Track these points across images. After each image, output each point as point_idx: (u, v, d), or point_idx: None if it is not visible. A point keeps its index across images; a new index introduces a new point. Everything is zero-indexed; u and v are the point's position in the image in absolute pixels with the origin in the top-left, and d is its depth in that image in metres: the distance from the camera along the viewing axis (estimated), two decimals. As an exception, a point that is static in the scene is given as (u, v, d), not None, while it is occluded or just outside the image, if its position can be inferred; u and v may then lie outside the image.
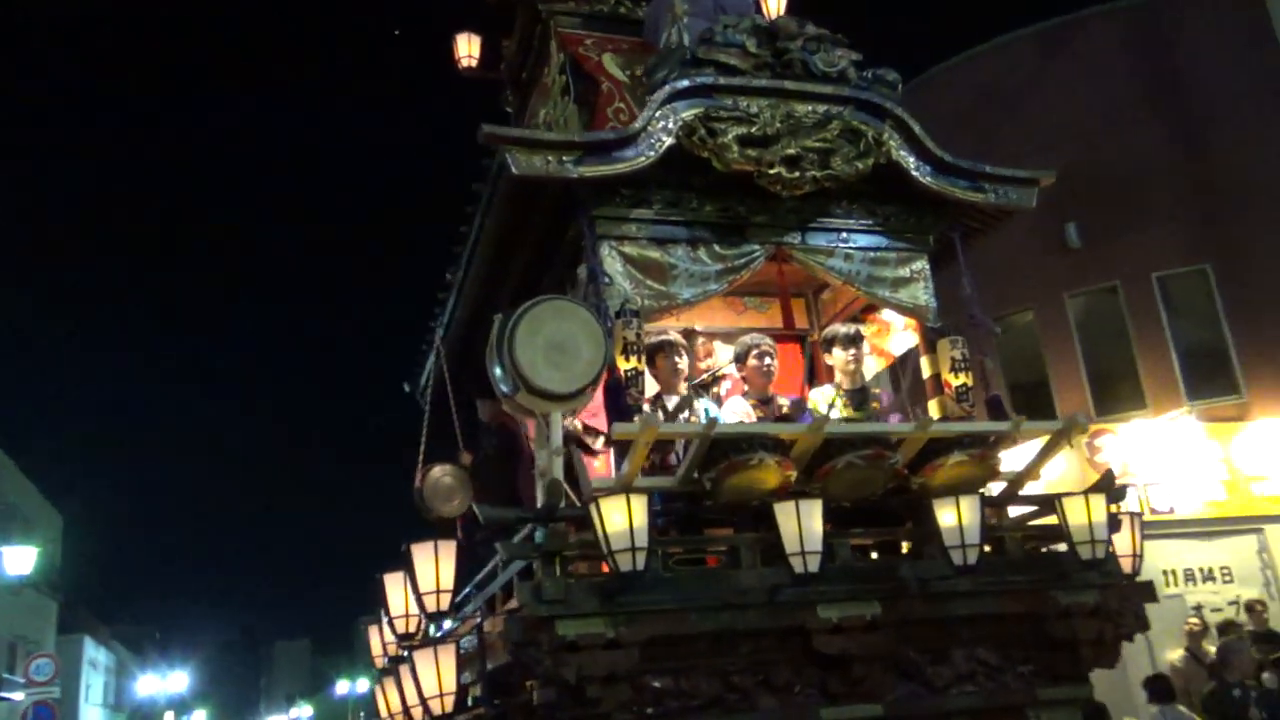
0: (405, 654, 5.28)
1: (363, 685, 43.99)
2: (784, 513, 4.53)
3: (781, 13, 7.28)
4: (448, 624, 6.28)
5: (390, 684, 6.28)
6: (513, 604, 5.15)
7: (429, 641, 5.26)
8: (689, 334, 6.15)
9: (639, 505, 4.32)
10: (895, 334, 6.48)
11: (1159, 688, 7.78)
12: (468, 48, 8.65)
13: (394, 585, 5.31)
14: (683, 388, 5.77)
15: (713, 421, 4.77)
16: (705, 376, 6.04)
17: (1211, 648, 9.60)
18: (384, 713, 6.60)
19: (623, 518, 4.31)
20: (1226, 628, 10.11)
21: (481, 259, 6.19)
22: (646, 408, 5.26)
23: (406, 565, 4.78)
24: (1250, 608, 10.69)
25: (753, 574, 4.86)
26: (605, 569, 4.49)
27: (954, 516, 4.74)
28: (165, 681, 40.70)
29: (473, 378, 7.51)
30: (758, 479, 4.72)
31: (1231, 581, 11.37)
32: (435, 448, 7.12)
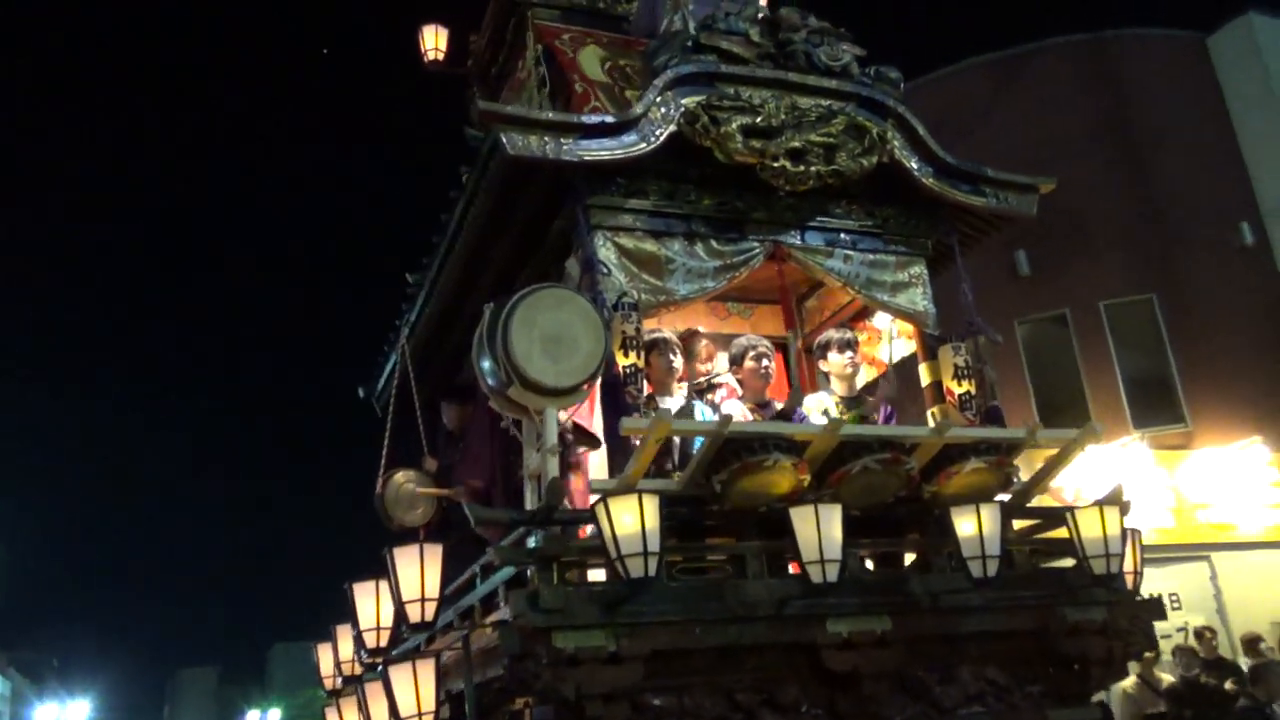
0: (375, 669, 4.84)
1: (274, 716, 42.43)
2: (802, 518, 4.24)
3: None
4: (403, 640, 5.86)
5: (350, 705, 5.82)
6: (497, 615, 4.77)
7: (407, 655, 4.83)
8: (691, 335, 5.88)
9: (651, 506, 3.99)
10: (885, 342, 6.27)
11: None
12: (434, 40, 8.29)
13: (364, 595, 4.87)
14: (677, 389, 5.47)
15: (727, 418, 4.47)
16: (702, 381, 5.74)
17: (1164, 674, 9.58)
18: (339, 737, 6.12)
19: (634, 519, 3.97)
20: (1179, 653, 10.11)
21: (461, 249, 5.83)
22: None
23: (389, 570, 4.36)
24: (1199, 634, 10.70)
25: (760, 585, 4.55)
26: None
27: (973, 526, 4.50)
28: (64, 711, 38.75)
29: (436, 381, 7.13)
30: (770, 482, 4.43)
31: (1180, 608, 11.41)
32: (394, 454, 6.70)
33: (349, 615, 5.59)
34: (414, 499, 6.34)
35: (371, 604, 4.86)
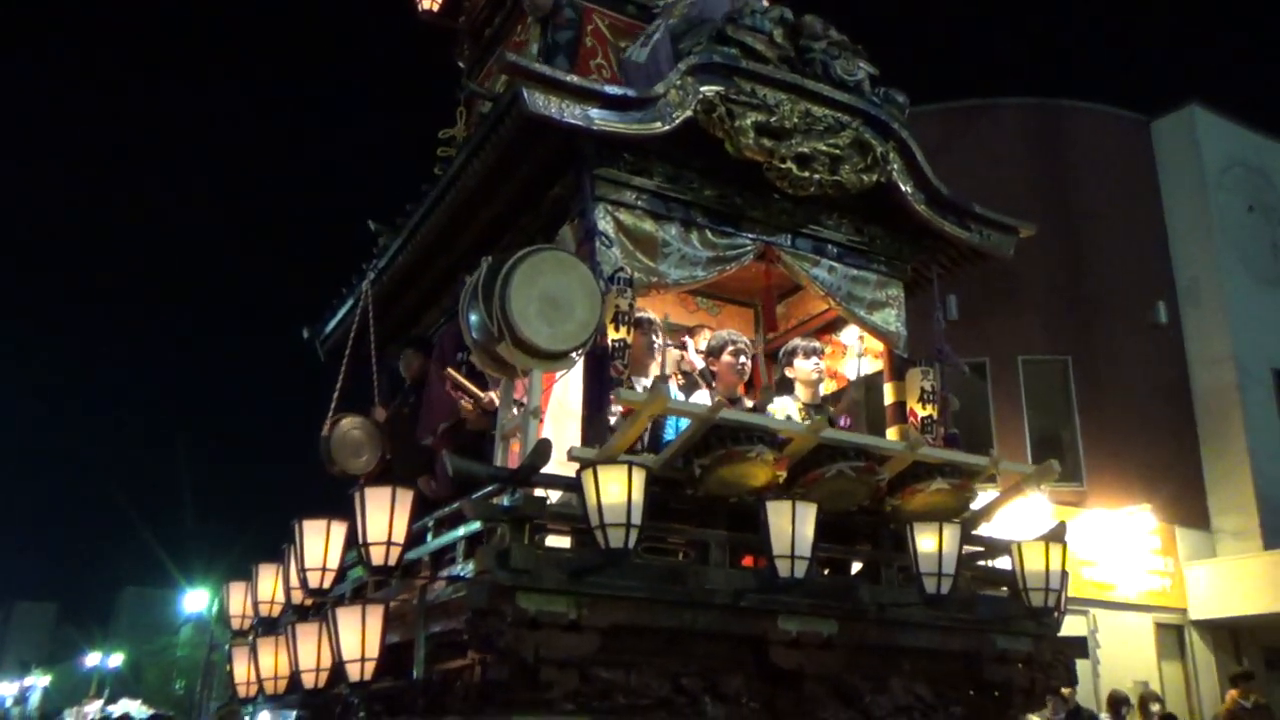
0: (317, 610, 4.71)
1: (116, 659, 40.81)
2: (779, 513, 4.28)
3: None
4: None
5: (267, 647, 5.65)
6: (452, 570, 4.69)
7: (358, 597, 4.71)
8: (697, 329, 5.95)
9: (639, 479, 3.99)
10: (851, 358, 6.39)
11: None
12: (431, -10, 8.14)
13: (314, 533, 4.73)
14: (653, 369, 5.48)
15: (719, 403, 4.50)
16: (704, 370, 5.78)
17: (1032, 717, 9.94)
18: (247, 678, 5.93)
19: (620, 490, 3.97)
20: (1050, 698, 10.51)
21: (451, 201, 5.73)
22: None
23: (358, 511, 4.24)
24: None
25: (720, 574, 4.60)
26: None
27: (934, 543, 4.61)
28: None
29: (392, 329, 7.01)
30: (750, 473, 4.47)
31: (1056, 658, 11.87)
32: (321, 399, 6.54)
33: (284, 553, 5.47)
34: (359, 446, 6.22)
35: (320, 543, 4.72)
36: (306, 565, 4.72)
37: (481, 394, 5.34)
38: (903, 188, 5.81)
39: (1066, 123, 14.83)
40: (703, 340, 5.97)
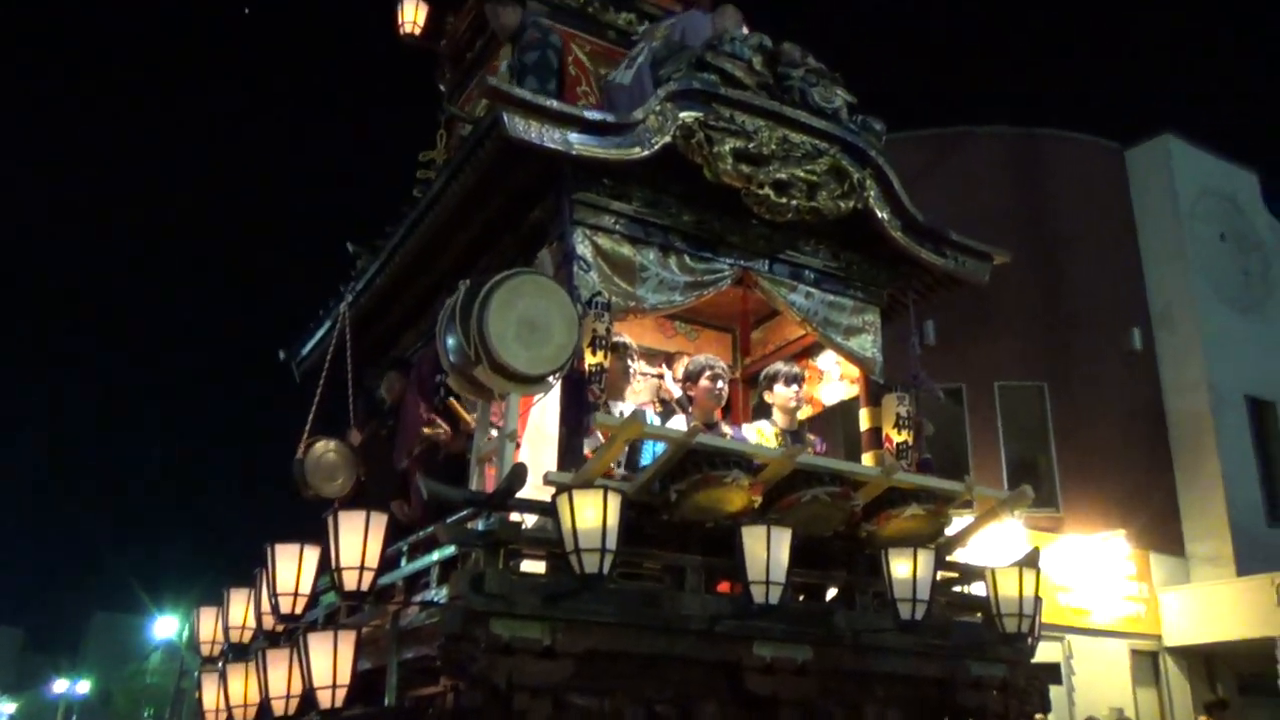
0: (289, 636, 4.66)
1: (84, 687, 40.19)
2: (754, 538, 4.29)
3: None
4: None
5: (237, 674, 5.58)
6: (425, 596, 4.66)
7: (325, 624, 4.66)
8: (677, 355, 5.96)
9: (615, 504, 3.99)
10: (827, 383, 6.42)
11: None
12: (414, 14, 8.16)
13: (286, 557, 4.69)
14: (630, 394, 5.48)
15: (696, 428, 4.50)
16: (683, 397, 5.79)
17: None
18: (217, 706, 5.84)
19: (596, 514, 3.96)
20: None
21: (430, 224, 5.73)
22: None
23: (331, 535, 4.21)
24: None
25: (696, 599, 4.59)
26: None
27: (909, 568, 4.61)
28: None
29: (370, 352, 6.98)
30: (726, 498, 4.48)
31: (1032, 683, 11.88)
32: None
33: (255, 578, 5.41)
34: (333, 469, 6.17)
35: (292, 567, 4.68)
36: (278, 590, 4.68)
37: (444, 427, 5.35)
38: (879, 214, 5.85)
39: (1043, 151, 14.99)
40: (681, 367, 5.98)
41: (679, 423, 5.43)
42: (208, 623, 6.50)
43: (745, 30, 6.12)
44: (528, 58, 6.04)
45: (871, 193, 5.80)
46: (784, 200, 5.41)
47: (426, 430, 5.51)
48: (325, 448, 6.23)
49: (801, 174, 5.50)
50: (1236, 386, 14.15)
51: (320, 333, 7.23)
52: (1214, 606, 12.69)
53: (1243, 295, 14.89)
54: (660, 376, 6.09)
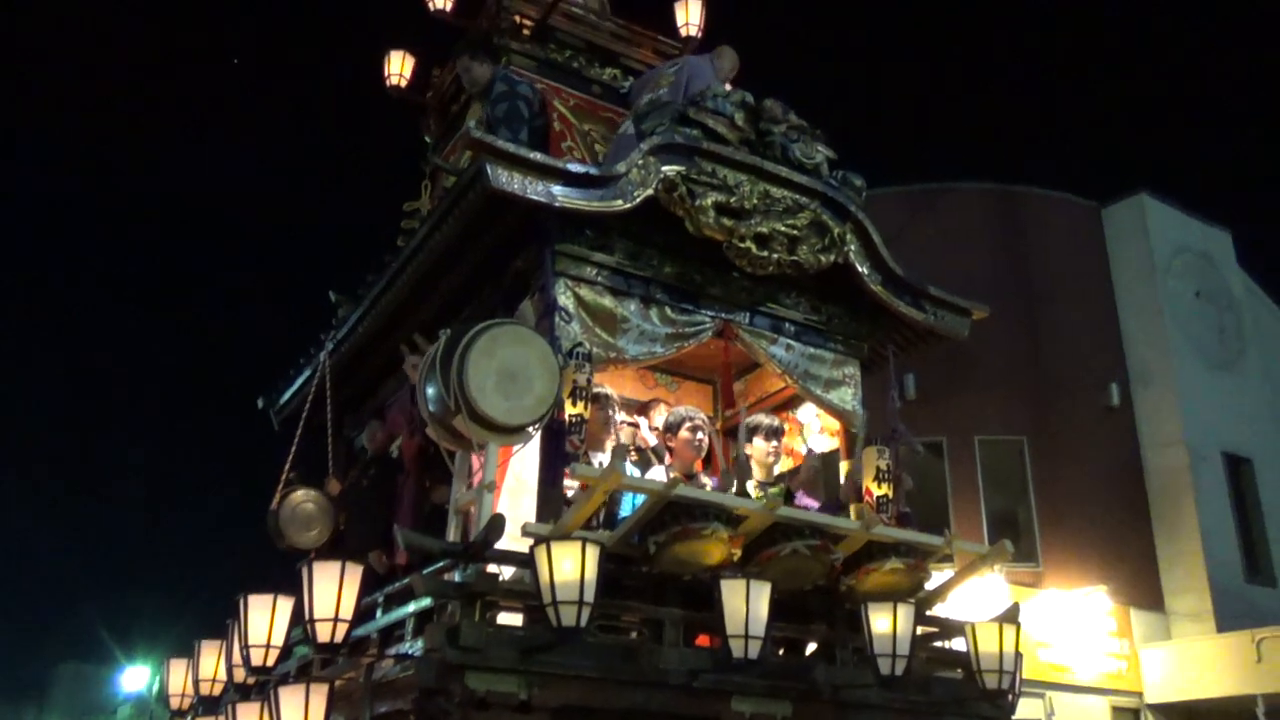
0: (260, 689, 4.58)
1: (50, 739, 39.21)
2: (733, 591, 4.26)
3: None
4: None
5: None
6: (400, 648, 4.60)
7: (297, 676, 4.58)
8: (653, 404, 5.95)
9: (593, 555, 3.96)
10: (808, 435, 6.42)
11: None
12: (400, 66, 8.25)
13: (259, 608, 4.62)
14: (609, 445, 5.47)
15: (675, 480, 4.49)
16: (659, 446, 5.78)
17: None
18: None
19: (574, 566, 3.93)
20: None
21: (413, 273, 5.74)
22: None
23: (305, 585, 4.16)
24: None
25: (675, 653, 4.54)
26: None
27: (889, 623, 4.60)
28: None
29: (350, 401, 6.95)
30: (704, 551, 4.46)
31: (1014, 741, 11.77)
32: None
33: (228, 629, 5.33)
34: (309, 520, 6.10)
35: (265, 618, 4.61)
36: (250, 642, 4.61)
37: None
38: (859, 268, 5.91)
39: (1022, 208, 15.17)
40: (658, 416, 5.99)
41: (657, 473, 5.42)
42: (178, 675, 6.38)
43: (729, 86, 6.22)
44: (498, 110, 6.10)
45: (852, 247, 5.86)
46: (765, 253, 5.46)
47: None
48: (302, 497, 6.16)
49: (783, 228, 5.56)
50: (1214, 443, 14.23)
51: (300, 381, 7.21)
52: (1195, 663, 12.64)
53: (1218, 352, 15.03)
54: (635, 425, 6.08)
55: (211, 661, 5.86)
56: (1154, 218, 14.86)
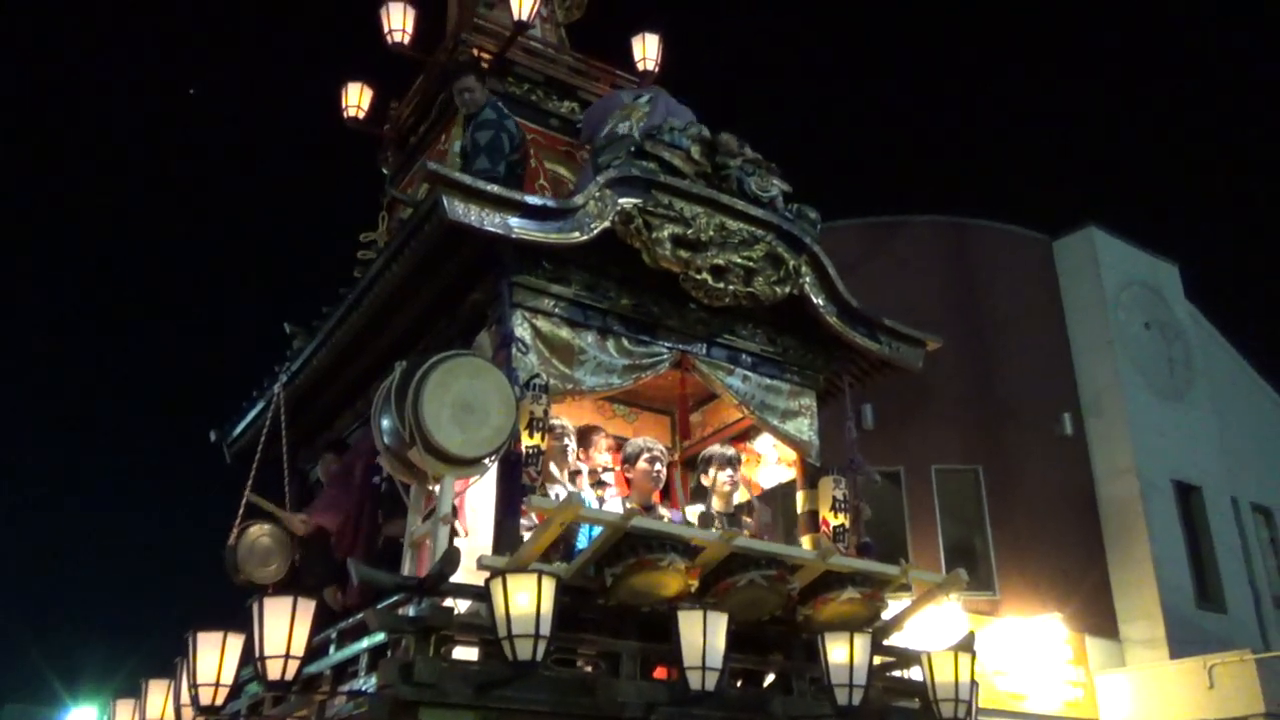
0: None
1: (-7, 783, 38.04)
2: (690, 623, 4.25)
3: None
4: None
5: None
6: (354, 685, 4.53)
7: (254, 715, 4.49)
8: (591, 430, 5.92)
9: (549, 588, 3.94)
10: (765, 466, 6.45)
11: None
12: (358, 98, 8.25)
13: (208, 646, 4.53)
14: (566, 477, 5.45)
15: (632, 511, 4.48)
16: (597, 471, 5.75)
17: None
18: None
19: (530, 599, 3.91)
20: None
21: (369, 306, 5.72)
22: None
23: (255, 622, 4.09)
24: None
25: (632, 686, 4.52)
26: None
27: (845, 653, 4.60)
28: None
29: (305, 434, 6.88)
30: (661, 582, 4.45)
31: (971, 769, 11.79)
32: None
33: (176, 667, 5.23)
34: (267, 555, 6.02)
35: (215, 656, 4.52)
36: (199, 680, 4.50)
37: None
38: (815, 300, 5.96)
39: (975, 240, 15.43)
40: (601, 442, 5.95)
41: (614, 503, 5.42)
42: (124, 715, 6.24)
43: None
44: (480, 136, 6.11)
45: (807, 279, 5.92)
46: (721, 285, 5.50)
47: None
48: (259, 532, 6.07)
49: (739, 260, 5.61)
50: (1164, 471, 14.47)
51: (253, 413, 7.12)
52: (1150, 690, 12.78)
53: (1168, 383, 15.32)
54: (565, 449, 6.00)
55: (159, 701, 5.73)
56: (1103, 250, 15.18)
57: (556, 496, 4.99)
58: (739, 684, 5.11)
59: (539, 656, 3.89)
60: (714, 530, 4.95)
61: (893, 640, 5.51)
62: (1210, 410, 15.77)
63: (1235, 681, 12.00)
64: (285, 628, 4.11)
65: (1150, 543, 13.76)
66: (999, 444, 14.25)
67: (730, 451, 6.00)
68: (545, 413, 4.93)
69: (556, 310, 5.38)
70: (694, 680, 4.23)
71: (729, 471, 5.89)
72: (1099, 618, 13.59)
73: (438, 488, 4.65)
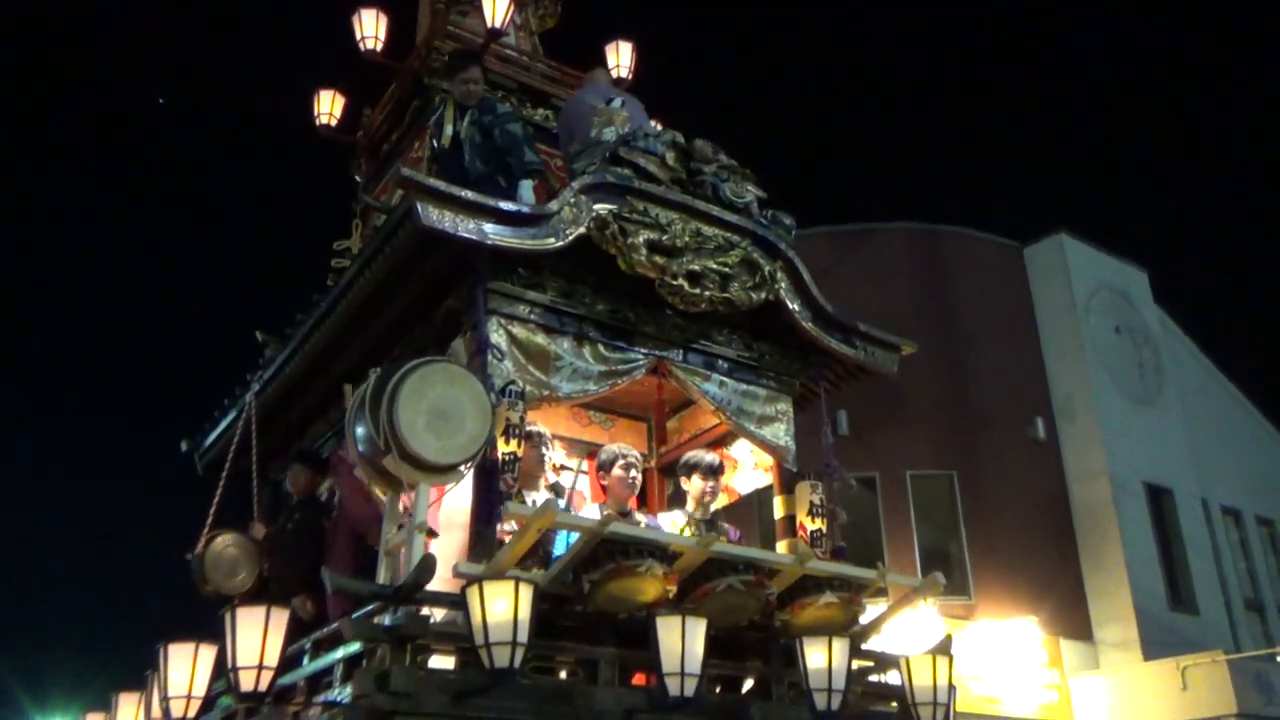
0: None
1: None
2: (668, 629, 4.24)
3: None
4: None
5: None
6: (329, 695, 4.48)
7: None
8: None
9: (526, 595, 3.91)
10: (742, 471, 6.45)
11: None
12: (330, 105, 8.21)
13: (179, 658, 4.46)
14: (544, 484, 5.43)
15: (608, 518, 4.47)
16: (561, 480, 5.73)
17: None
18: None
19: (507, 606, 3.88)
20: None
21: (341, 313, 5.68)
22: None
23: (225, 631, 4.03)
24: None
25: (610, 693, 4.50)
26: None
27: (824, 658, 4.60)
28: None
29: (273, 445, 6.81)
30: (639, 588, 4.43)
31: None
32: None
33: (147, 680, 5.16)
34: (234, 565, 5.94)
35: (186, 668, 4.45)
36: (170, 693, 4.43)
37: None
38: (790, 305, 5.97)
39: (946, 247, 15.53)
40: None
41: (591, 510, 5.39)
42: (95, 729, 6.14)
43: (659, 126, 6.28)
44: (515, 128, 6.08)
45: (782, 284, 5.93)
46: (697, 291, 5.50)
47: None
48: (226, 542, 5.99)
49: (714, 265, 5.61)
50: (1135, 474, 14.59)
51: (225, 423, 7.05)
52: (1124, 692, 12.86)
53: (1138, 387, 15.46)
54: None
55: (130, 714, 5.68)
56: (1073, 257, 15.31)
57: (533, 503, 4.97)
58: (718, 690, 5.09)
59: (517, 664, 3.86)
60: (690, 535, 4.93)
61: (870, 645, 5.51)
62: (1180, 413, 15.92)
63: (1208, 682, 12.10)
64: (258, 638, 4.06)
65: (1123, 546, 13.86)
66: (973, 449, 14.32)
67: (715, 460, 5.95)
68: (521, 419, 4.90)
69: (532, 316, 5.36)
70: (673, 686, 4.22)
71: (711, 481, 5.84)
72: (1073, 621, 13.66)
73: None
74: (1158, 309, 16.62)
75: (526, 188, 5.85)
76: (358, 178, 8.31)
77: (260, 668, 4.05)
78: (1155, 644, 13.26)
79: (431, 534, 4.77)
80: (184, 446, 7.54)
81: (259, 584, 5.99)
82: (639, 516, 5.64)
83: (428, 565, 4.10)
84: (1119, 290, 15.94)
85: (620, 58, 8.03)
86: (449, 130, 6.15)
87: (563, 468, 5.97)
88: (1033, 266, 15.51)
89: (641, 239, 5.41)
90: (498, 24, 6.92)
